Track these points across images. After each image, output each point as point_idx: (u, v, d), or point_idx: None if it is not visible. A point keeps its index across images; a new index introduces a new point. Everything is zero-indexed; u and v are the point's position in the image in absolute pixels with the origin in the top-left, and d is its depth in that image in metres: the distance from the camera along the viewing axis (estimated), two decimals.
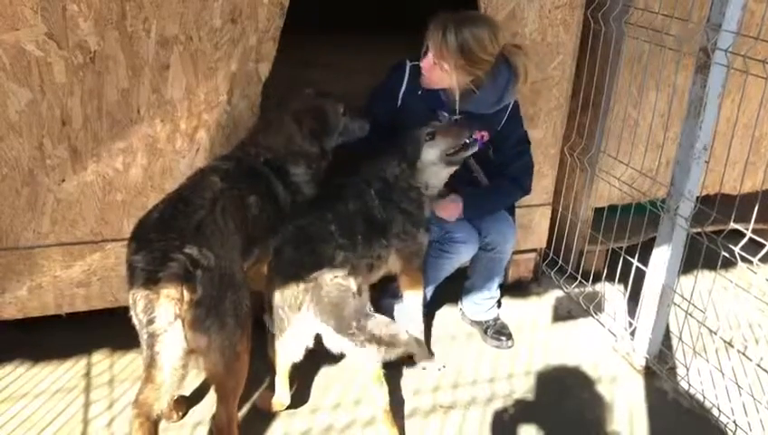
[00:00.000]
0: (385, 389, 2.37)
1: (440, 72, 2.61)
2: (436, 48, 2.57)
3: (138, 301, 2.01)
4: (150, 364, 2.01)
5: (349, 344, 2.27)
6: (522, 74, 2.65)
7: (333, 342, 2.30)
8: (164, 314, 1.97)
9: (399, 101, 2.79)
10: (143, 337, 2.03)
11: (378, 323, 2.30)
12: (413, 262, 2.73)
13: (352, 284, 2.31)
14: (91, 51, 2.38)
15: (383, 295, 3.00)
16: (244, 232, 2.31)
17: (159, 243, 2.06)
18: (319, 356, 2.58)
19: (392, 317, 2.93)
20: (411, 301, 2.81)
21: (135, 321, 2.07)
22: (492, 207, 2.90)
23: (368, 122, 2.71)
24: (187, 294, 1.99)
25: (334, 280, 2.28)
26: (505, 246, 2.95)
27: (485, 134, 2.79)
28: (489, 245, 2.91)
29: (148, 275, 2.00)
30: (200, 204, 2.21)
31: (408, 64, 2.76)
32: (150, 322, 1.98)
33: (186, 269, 2.01)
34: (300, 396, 2.62)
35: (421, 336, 2.86)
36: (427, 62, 2.63)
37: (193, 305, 2.01)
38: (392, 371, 2.84)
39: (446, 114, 2.77)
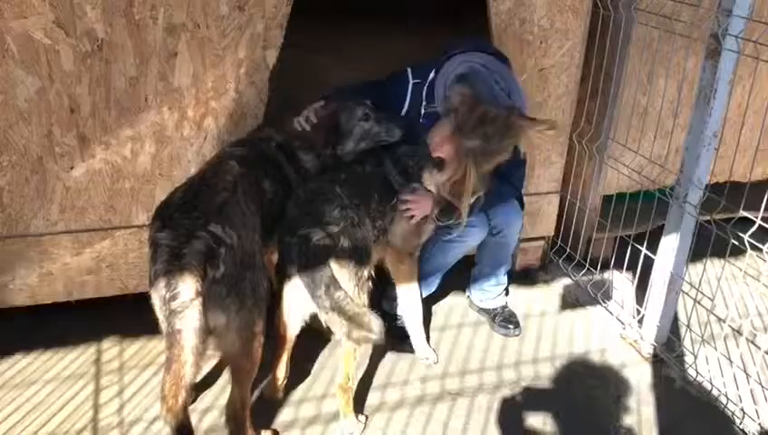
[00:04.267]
0: (350, 367, 2.38)
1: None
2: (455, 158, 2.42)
3: (160, 277, 1.99)
4: (173, 344, 1.98)
5: (316, 308, 2.26)
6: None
7: (306, 302, 2.28)
8: (187, 289, 1.95)
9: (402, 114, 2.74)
10: (164, 315, 2.01)
11: (347, 297, 2.23)
12: (411, 241, 2.71)
13: (344, 241, 2.29)
14: (99, 38, 2.39)
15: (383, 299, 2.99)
16: (262, 216, 2.32)
17: (184, 221, 2.07)
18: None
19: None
20: (407, 294, 2.79)
21: (155, 299, 2.04)
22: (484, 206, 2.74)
23: (399, 128, 2.63)
24: (209, 271, 2.00)
25: (321, 240, 2.27)
26: (510, 231, 2.93)
27: None
28: (495, 229, 2.88)
29: (172, 252, 2.00)
30: (223, 186, 2.22)
31: (411, 82, 2.69)
32: (173, 298, 1.96)
33: (209, 247, 2.02)
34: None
35: (420, 329, 2.84)
36: (440, 140, 2.46)
37: (215, 283, 2.02)
38: (399, 357, 2.86)
39: None
